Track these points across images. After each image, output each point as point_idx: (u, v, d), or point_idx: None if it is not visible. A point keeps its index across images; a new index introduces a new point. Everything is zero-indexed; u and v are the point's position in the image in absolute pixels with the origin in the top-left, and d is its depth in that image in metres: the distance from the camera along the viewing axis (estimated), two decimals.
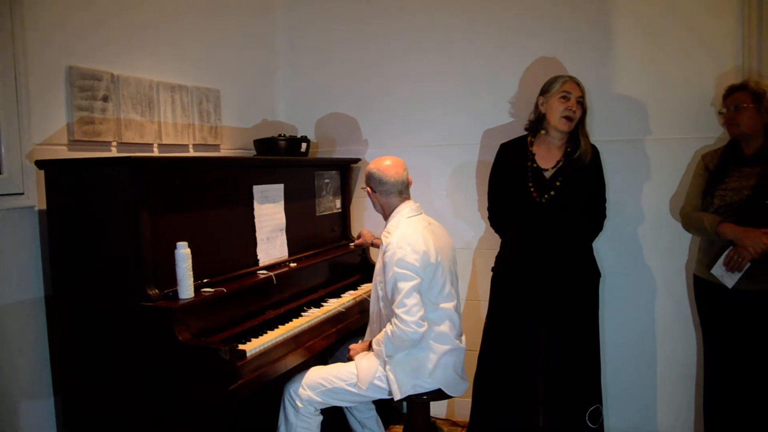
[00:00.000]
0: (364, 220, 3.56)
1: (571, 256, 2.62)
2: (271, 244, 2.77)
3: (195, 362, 2.02)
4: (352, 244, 3.33)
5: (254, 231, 2.68)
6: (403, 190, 2.45)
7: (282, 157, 3.06)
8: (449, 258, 2.46)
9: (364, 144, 3.53)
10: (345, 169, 3.46)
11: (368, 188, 2.48)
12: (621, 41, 3.01)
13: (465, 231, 3.33)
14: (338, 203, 3.39)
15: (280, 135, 3.14)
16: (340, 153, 3.56)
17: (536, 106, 2.71)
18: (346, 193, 3.44)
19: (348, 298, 2.92)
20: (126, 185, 2.08)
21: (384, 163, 2.44)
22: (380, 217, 2.61)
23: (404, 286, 2.25)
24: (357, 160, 3.51)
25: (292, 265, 2.80)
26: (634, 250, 3.08)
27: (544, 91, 2.68)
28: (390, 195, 2.43)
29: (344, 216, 3.45)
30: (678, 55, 2.92)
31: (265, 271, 2.62)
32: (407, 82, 3.40)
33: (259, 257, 2.70)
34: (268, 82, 3.57)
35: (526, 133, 2.77)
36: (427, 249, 2.32)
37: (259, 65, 3.47)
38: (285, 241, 2.86)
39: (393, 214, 2.45)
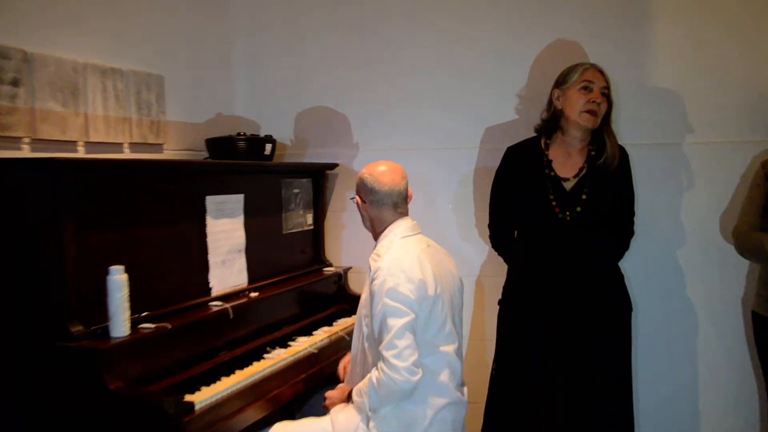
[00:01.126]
0: (342, 240, 3.56)
1: (600, 284, 2.64)
2: (228, 268, 2.77)
3: (131, 417, 1.99)
4: (326, 269, 3.35)
5: (206, 253, 2.67)
6: (398, 203, 2.44)
7: (241, 162, 3.06)
8: (452, 289, 2.46)
9: (342, 146, 3.54)
10: (319, 176, 3.46)
11: (357, 197, 2.48)
12: (657, 22, 3.05)
13: (467, 253, 3.35)
14: (310, 219, 3.40)
15: (239, 134, 3.13)
16: (313, 157, 3.57)
17: (550, 101, 2.74)
18: (320, 207, 3.44)
19: (321, 336, 2.91)
20: (45, 195, 2.05)
21: (378, 168, 2.44)
22: (364, 237, 2.61)
23: (395, 323, 2.22)
24: (333, 166, 3.51)
25: (253, 294, 2.80)
26: (673, 279, 3.08)
27: (561, 82, 2.71)
28: (382, 207, 2.42)
29: (317, 234, 3.45)
30: (730, 40, 2.95)
31: (219, 303, 2.62)
32: (395, 73, 3.43)
33: (211, 285, 2.69)
34: (225, 67, 3.57)
35: (536, 134, 2.81)
36: (425, 277, 2.30)
37: (214, 47, 3.47)
38: (244, 265, 2.86)
39: (384, 232, 2.44)
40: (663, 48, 3.06)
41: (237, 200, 2.84)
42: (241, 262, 2.85)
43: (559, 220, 2.62)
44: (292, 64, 3.61)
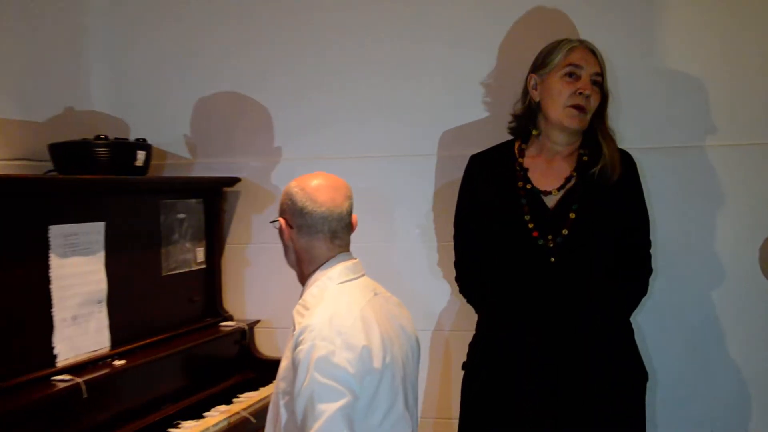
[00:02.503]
0: (246, 283, 3.52)
1: (601, 344, 2.60)
2: (81, 327, 2.71)
3: None
4: (225, 324, 3.32)
5: (50, 305, 2.61)
6: (338, 232, 2.39)
7: (102, 177, 2.97)
8: (405, 355, 2.40)
9: (247, 153, 3.51)
10: (214, 196, 3.44)
11: (281, 220, 2.40)
12: None
13: (428, 299, 3.35)
14: (201, 254, 3.38)
15: (98, 137, 3.03)
16: (206, 169, 3.53)
17: (525, 90, 2.76)
18: (215, 238, 3.43)
19: (217, 419, 2.85)
20: None
21: (312, 183, 2.40)
22: (279, 279, 2.68)
23: (326, 408, 2.12)
24: (234, 181, 3.47)
25: (118, 363, 2.75)
26: (701, 334, 3.08)
27: (540, 64, 2.71)
28: (315, 237, 2.37)
29: (212, 276, 3.44)
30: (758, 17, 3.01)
31: (67, 376, 2.55)
32: (325, 52, 3.43)
33: (57, 351, 2.63)
34: (74, 43, 3.52)
35: (511, 137, 2.83)
36: (370, 343, 2.23)
37: (59, 12, 3.39)
38: (105, 322, 2.82)
39: (316, 273, 2.39)
40: (677, 20, 3.09)
41: (95, 231, 2.80)
42: (100, 318, 2.80)
43: (539, 249, 2.59)
44: (174, 39, 3.57)
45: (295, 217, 2.38)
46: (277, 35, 3.47)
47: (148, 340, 2.95)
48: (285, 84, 3.47)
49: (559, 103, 2.63)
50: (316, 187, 2.38)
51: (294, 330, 2.29)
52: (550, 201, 2.64)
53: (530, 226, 2.61)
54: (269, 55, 3.48)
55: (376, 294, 2.43)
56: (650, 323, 3.05)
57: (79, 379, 2.49)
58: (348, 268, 2.40)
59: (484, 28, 3.24)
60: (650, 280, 2.75)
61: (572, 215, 2.60)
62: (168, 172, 3.56)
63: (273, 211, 2.50)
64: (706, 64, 3.08)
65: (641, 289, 2.74)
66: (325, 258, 2.39)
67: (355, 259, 2.45)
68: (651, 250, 2.74)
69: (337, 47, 3.41)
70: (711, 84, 3.07)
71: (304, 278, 2.43)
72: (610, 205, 2.63)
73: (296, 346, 2.23)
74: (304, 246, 2.40)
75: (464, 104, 3.28)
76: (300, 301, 2.37)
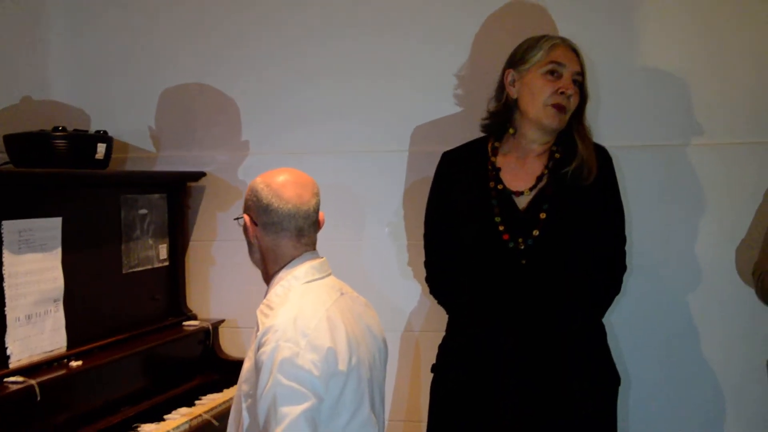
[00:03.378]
0: (211, 281, 3.51)
1: (572, 346, 2.59)
2: (36, 326, 2.69)
3: None
4: (188, 324, 3.31)
5: (2, 303, 2.59)
6: (304, 230, 2.38)
7: (60, 170, 2.95)
8: (372, 357, 2.40)
9: (212, 147, 3.49)
10: (177, 190, 3.40)
11: (246, 217, 2.39)
12: None
13: (397, 299, 3.35)
14: (164, 251, 3.35)
15: (56, 129, 3.01)
16: (170, 162, 3.51)
17: (501, 86, 2.73)
18: (178, 234, 3.40)
19: (178, 422, 2.83)
20: None
21: (278, 179, 2.39)
22: (245, 278, 2.72)
23: (290, 411, 2.11)
24: (199, 175, 3.44)
25: (75, 363, 2.71)
26: (677, 336, 3.08)
27: (518, 60, 2.68)
28: (280, 234, 2.36)
29: (175, 274, 3.41)
30: (742, 14, 3.01)
31: (21, 378, 2.53)
32: (289, 44, 3.41)
33: (9, 351, 2.61)
34: (32, 28, 3.49)
35: (484, 134, 2.82)
36: (335, 345, 2.23)
37: None
38: (62, 322, 2.79)
39: (281, 272, 2.38)
40: (658, 17, 3.09)
41: (51, 226, 2.78)
42: (56, 317, 2.78)
43: (509, 251, 2.59)
44: (138, 26, 3.54)
45: (260, 215, 2.37)
46: (246, 28, 3.46)
47: (107, 340, 2.92)
48: (254, 77, 3.46)
49: (539, 101, 2.61)
50: (282, 184, 2.37)
51: (258, 330, 2.28)
52: (522, 202, 2.63)
53: (501, 228, 2.60)
54: (237, 47, 3.46)
55: (342, 294, 2.42)
56: (624, 324, 3.06)
57: (32, 381, 2.47)
58: (314, 268, 2.39)
59: (458, 21, 3.23)
60: (625, 278, 2.75)
61: (543, 215, 2.60)
62: (130, 166, 3.54)
63: (239, 207, 2.49)
64: (687, 62, 3.08)
65: (615, 287, 2.73)
66: (290, 257, 2.38)
67: (322, 258, 2.44)
68: (626, 248, 2.74)
69: (306, 41, 3.40)
70: (692, 82, 3.07)
71: (268, 277, 2.43)
72: (583, 203, 2.62)
73: (259, 347, 2.22)
74: (269, 244, 2.40)
75: (436, 99, 3.27)
76: (264, 301, 2.36)
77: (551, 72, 2.60)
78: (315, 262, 2.40)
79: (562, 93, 2.59)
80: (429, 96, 3.27)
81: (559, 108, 2.59)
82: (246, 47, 3.45)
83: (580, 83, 2.64)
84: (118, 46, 3.56)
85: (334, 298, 2.37)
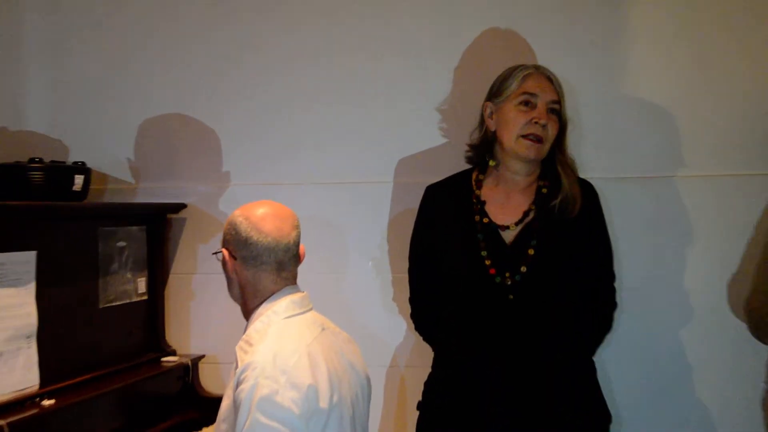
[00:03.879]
0: (191, 316, 3.47)
1: (563, 385, 2.57)
2: (7, 363, 2.65)
3: None
4: (167, 360, 3.28)
5: None
6: (285, 264, 2.38)
7: (37, 203, 2.94)
8: (354, 395, 2.38)
9: (193, 178, 3.48)
10: (157, 222, 3.38)
11: (224, 251, 2.39)
12: (636, 5, 3.10)
13: (382, 333, 3.31)
14: (143, 285, 3.31)
15: (33, 160, 3.01)
16: (150, 194, 3.49)
17: (482, 118, 2.75)
18: (158, 267, 3.37)
19: None
20: None
21: (257, 212, 2.39)
22: (225, 312, 2.72)
23: None
24: (180, 207, 3.42)
25: (47, 402, 2.67)
26: (668, 373, 3.07)
27: (495, 92, 2.71)
28: (260, 269, 2.36)
29: (154, 308, 3.37)
30: (733, 42, 3.01)
31: None
32: (270, 73, 3.43)
33: None
34: (8, 57, 3.49)
35: (470, 166, 2.84)
36: (316, 382, 2.22)
37: None
38: (35, 359, 2.75)
39: (260, 308, 2.37)
40: (646, 40, 3.10)
41: (26, 260, 2.74)
42: (29, 354, 2.73)
43: (496, 287, 2.57)
44: (116, 56, 3.54)
45: (239, 248, 2.37)
46: (227, 58, 3.48)
47: (81, 378, 2.88)
48: (234, 107, 3.46)
49: (514, 133, 2.62)
50: (261, 217, 2.37)
51: (236, 367, 2.25)
52: (508, 236, 2.63)
53: (487, 262, 2.59)
54: (217, 77, 3.47)
55: (323, 329, 2.41)
56: (615, 361, 3.03)
57: (2, 421, 2.42)
58: (294, 302, 2.37)
59: (443, 49, 3.24)
60: (615, 314, 2.75)
61: (531, 251, 2.58)
62: (109, 198, 3.52)
63: (220, 239, 2.49)
64: (674, 90, 3.08)
65: (605, 325, 2.73)
66: (270, 291, 2.37)
67: (303, 292, 2.42)
68: (615, 284, 2.74)
69: (288, 71, 3.40)
70: (679, 112, 3.08)
71: (248, 312, 2.41)
72: (571, 240, 2.62)
73: (238, 384, 2.20)
74: (248, 278, 2.38)
75: (421, 129, 3.27)
76: (243, 337, 2.33)
77: (525, 102, 2.61)
78: (295, 297, 2.38)
79: (536, 123, 2.59)
80: (413, 127, 3.28)
81: (534, 138, 2.60)
82: (227, 77, 3.46)
83: (557, 111, 2.64)
84: (96, 76, 3.56)
85: (315, 333, 2.35)
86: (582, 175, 2.74)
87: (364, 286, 3.35)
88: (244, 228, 2.36)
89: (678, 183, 3.07)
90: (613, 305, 2.73)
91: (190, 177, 3.48)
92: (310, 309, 2.43)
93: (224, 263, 2.41)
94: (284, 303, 2.36)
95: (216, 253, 2.45)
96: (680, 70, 3.08)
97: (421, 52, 3.27)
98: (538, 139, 2.60)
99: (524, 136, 2.61)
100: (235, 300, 2.46)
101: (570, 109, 2.71)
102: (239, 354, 2.29)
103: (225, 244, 2.42)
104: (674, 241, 3.08)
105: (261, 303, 2.38)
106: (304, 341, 2.29)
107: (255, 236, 2.34)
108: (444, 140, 3.24)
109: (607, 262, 2.73)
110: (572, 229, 2.62)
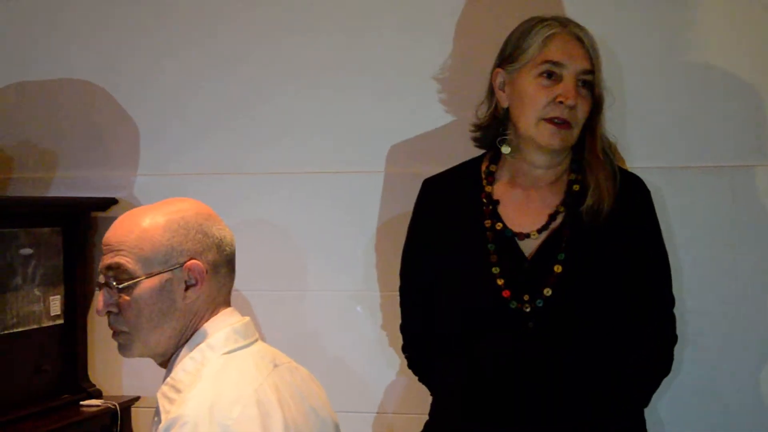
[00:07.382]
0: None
1: None
2: None
3: None
4: (88, 403, 3.14)
5: None
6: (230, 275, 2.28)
7: None
8: None
9: (125, 166, 3.29)
10: (77, 223, 3.20)
11: (197, 263, 2.15)
12: None
13: (366, 373, 3.15)
14: (56, 304, 3.13)
15: None
16: (68, 187, 3.31)
17: (490, 88, 2.52)
18: (78, 281, 3.20)
19: None
20: None
21: (202, 207, 2.22)
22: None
23: None
24: (109, 203, 3.23)
25: None
26: (740, 426, 2.82)
27: (508, 56, 2.48)
28: (227, 279, 2.20)
29: (72, 335, 3.20)
30: None
31: None
32: (233, 38, 3.24)
33: None
34: None
35: (478, 153, 2.67)
36: None
37: None
38: None
39: (194, 336, 2.15)
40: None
41: None
42: None
43: (511, 313, 2.36)
44: (26, 8, 3.37)
45: (212, 255, 2.14)
46: (166, 20, 3.30)
47: None
48: (188, 83, 3.28)
49: (532, 115, 2.39)
50: (210, 213, 2.18)
51: (159, 422, 1.99)
52: (528, 247, 2.41)
53: (499, 282, 2.36)
54: (162, 39, 3.28)
55: (276, 365, 2.17)
56: (674, 411, 2.83)
57: None
58: (236, 332, 2.12)
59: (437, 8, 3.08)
60: (675, 351, 2.50)
61: (557, 268, 2.36)
62: (13, 191, 3.32)
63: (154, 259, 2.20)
64: (752, 58, 2.83)
65: (662, 367, 2.51)
66: (208, 314, 2.14)
67: (245, 317, 2.18)
68: (675, 310, 2.49)
69: (255, 44, 3.24)
70: (760, 85, 2.82)
71: (169, 346, 2.15)
72: (612, 253, 2.40)
73: None
74: (205, 297, 2.13)
75: (415, 107, 3.08)
76: (168, 380, 2.07)
77: (547, 74, 2.38)
78: (237, 324, 2.13)
79: (561, 102, 2.35)
80: (406, 99, 3.08)
81: (559, 122, 2.37)
82: (166, 46, 3.27)
83: (590, 83, 2.39)
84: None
85: (266, 372, 2.10)
86: (628, 165, 2.61)
87: (342, 309, 3.14)
88: (208, 227, 2.14)
89: (759, 173, 2.82)
90: (672, 339, 2.49)
91: (123, 164, 3.29)
92: (257, 340, 2.19)
93: (194, 282, 2.09)
94: (224, 333, 2.09)
95: (188, 280, 2.09)
96: (760, 32, 2.83)
97: (417, 9, 3.08)
98: (564, 124, 2.36)
99: (546, 120, 2.37)
100: (166, 341, 2.12)
101: (610, 81, 2.48)
102: (163, 404, 2.03)
103: (193, 255, 2.11)
104: (757, 250, 2.80)
105: (193, 331, 2.12)
106: (251, 384, 2.02)
107: (228, 236, 2.17)
108: (447, 117, 3.01)
109: (664, 282, 2.50)
110: (614, 239, 2.40)
